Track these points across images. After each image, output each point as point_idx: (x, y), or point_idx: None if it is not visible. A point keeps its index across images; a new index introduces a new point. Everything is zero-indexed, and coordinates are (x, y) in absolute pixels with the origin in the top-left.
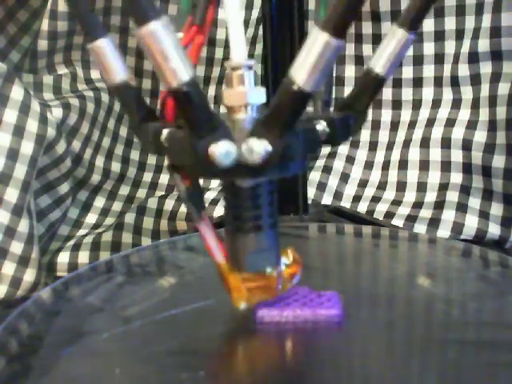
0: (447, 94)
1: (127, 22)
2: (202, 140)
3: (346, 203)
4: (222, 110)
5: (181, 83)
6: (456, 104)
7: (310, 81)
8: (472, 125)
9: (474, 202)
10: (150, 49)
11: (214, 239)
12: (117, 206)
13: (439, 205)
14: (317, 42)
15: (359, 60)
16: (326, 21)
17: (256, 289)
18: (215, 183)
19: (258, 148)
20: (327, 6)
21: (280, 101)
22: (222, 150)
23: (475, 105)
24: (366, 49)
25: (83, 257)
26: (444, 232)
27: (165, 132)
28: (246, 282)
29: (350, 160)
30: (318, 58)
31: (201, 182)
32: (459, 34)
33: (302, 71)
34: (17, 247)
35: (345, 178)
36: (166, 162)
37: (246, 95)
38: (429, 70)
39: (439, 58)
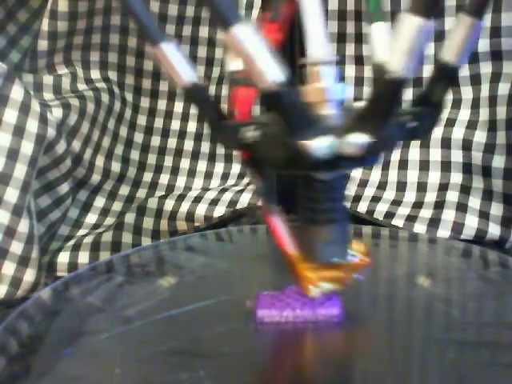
0: (447, 94)
1: (127, 21)
2: (300, 136)
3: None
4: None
5: (274, 84)
6: (456, 104)
7: (405, 66)
8: (472, 125)
9: (474, 202)
10: (237, 52)
11: (285, 231)
12: (117, 205)
13: (439, 205)
14: (409, 26)
15: (359, 60)
16: (413, 5)
17: (326, 278)
18: (215, 183)
19: (360, 142)
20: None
21: (377, 92)
22: (322, 144)
23: (475, 105)
24: (366, 49)
25: (83, 257)
26: (444, 232)
27: (246, 129)
28: (317, 271)
29: None
30: (412, 43)
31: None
32: None
33: (396, 58)
34: (17, 247)
35: None
36: (166, 162)
37: (327, 91)
38: (429, 70)
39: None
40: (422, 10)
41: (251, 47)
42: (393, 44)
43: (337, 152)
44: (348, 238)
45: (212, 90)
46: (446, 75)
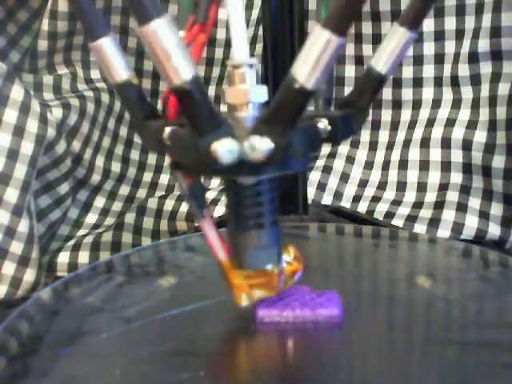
0: (447, 94)
1: (127, 21)
2: (204, 138)
3: (345, 203)
4: (223, 109)
5: (183, 81)
6: (456, 104)
7: (311, 78)
8: (472, 125)
9: (474, 202)
10: (152, 47)
11: (215, 236)
12: (117, 205)
13: (439, 205)
14: (318, 39)
15: (359, 60)
16: (327, 19)
17: (257, 286)
18: (215, 183)
19: (261, 146)
20: (328, 6)
21: (282, 99)
22: (224, 148)
23: (475, 105)
24: (366, 49)
25: (83, 257)
26: (444, 232)
27: (167, 130)
28: (248, 279)
29: (350, 160)
30: (320, 56)
31: (201, 180)
32: (459, 34)
33: (303, 69)
34: (17, 247)
35: (345, 178)
36: (166, 162)
37: (248, 93)
38: (429, 70)
39: (439, 58)
40: (333, 25)
41: (167, 43)
42: (302, 54)
43: (241, 157)
44: (278, 243)
45: (212, 90)
46: (374, 84)
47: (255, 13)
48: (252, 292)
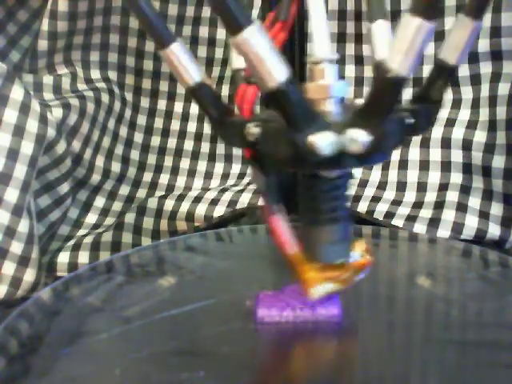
0: (447, 94)
1: (127, 21)
2: (302, 132)
3: None
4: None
5: (279, 83)
6: (456, 104)
7: (405, 66)
8: (472, 125)
9: (474, 202)
10: (246, 55)
11: (287, 231)
12: (117, 205)
13: (439, 205)
14: (409, 26)
15: (359, 60)
16: (414, 6)
17: (330, 279)
18: (215, 183)
19: (360, 138)
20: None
21: (377, 89)
22: (323, 141)
23: (475, 105)
24: (366, 49)
25: (83, 257)
26: (444, 232)
27: (250, 126)
28: (320, 272)
29: None
30: (412, 43)
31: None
32: None
33: (396, 57)
34: (17, 247)
35: None
36: (166, 162)
37: (330, 88)
38: (429, 70)
39: None
40: (422, 10)
41: (260, 49)
42: (394, 43)
43: (340, 149)
44: (351, 237)
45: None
46: (445, 74)
47: (255, 13)
48: (324, 285)
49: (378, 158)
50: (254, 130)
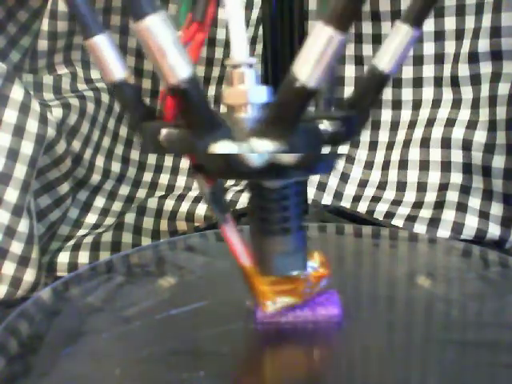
0: (447, 94)
1: (127, 21)
2: (201, 140)
3: (346, 203)
4: (223, 109)
5: (179, 80)
6: (456, 104)
7: (313, 76)
8: (472, 125)
9: (474, 202)
10: (147, 44)
11: (239, 242)
12: (117, 205)
13: (439, 205)
14: (320, 37)
15: (359, 60)
16: (328, 15)
17: (283, 292)
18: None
19: (261, 148)
20: (329, 4)
21: (283, 98)
22: (223, 150)
23: (475, 105)
24: (366, 49)
25: (83, 257)
26: (444, 232)
27: (163, 132)
28: (273, 285)
29: (350, 160)
30: (322, 53)
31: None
32: (459, 34)
33: (304, 67)
34: (17, 247)
35: (345, 178)
36: (166, 162)
37: (247, 94)
38: (429, 70)
39: (439, 58)
40: (335, 21)
41: (162, 40)
42: (303, 52)
43: (271, 160)
44: (305, 248)
45: (212, 89)
46: (377, 82)
47: (255, 13)
48: (277, 299)
49: (316, 169)
50: (164, 135)
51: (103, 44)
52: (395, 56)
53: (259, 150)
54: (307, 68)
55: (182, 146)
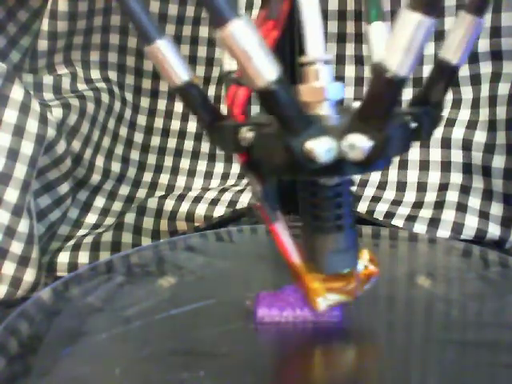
0: (447, 94)
1: (127, 21)
2: (297, 137)
3: None
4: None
5: (268, 82)
6: (456, 104)
7: (404, 65)
8: (472, 125)
9: (474, 202)
10: (231, 50)
11: (289, 239)
12: (117, 205)
13: (439, 205)
14: (408, 23)
15: (359, 60)
16: (413, 1)
17: (334, 290)
18: (215, 183)
19: (360, 144)
20: (378, 5)
21: (375, 90)
22: (321, 147)
23: (475, 105)
24: (366, 49)
25: (83, 257)
26: (444, 232)
27: (243, 130)
28: (325, 282)
29: None
30: (411, 40)
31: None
32: None
33: (395, 56)
34: (17, 247)
35: None
36: (166, 162)
37: (325, 90)
38: (429, 70)
39: None
40: (422, 5)
41: (247, 44)
42: (391, 41)
43: (340, 156)
44: (356, 246)
45: (212, 90)
46: (446, 75)
47: (255, 13)
48: (328, 296)
49: (381, 165)
50: (247, 134)
51: (165, 48)
52: (461, 47)
53: (359, 145)
54: (398, 56)
55: (272, 144)
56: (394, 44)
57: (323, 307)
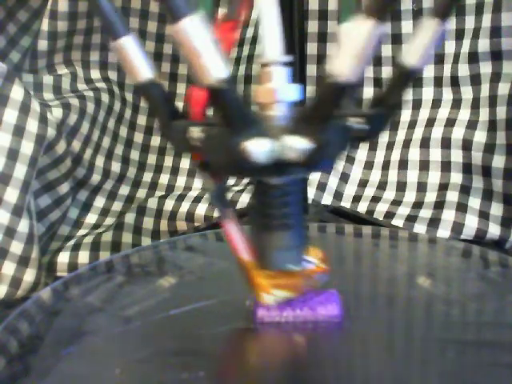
0: (447, 94)
1: (127, 22)
2: (236, 137)
3: (346, 203)
4: None
5: (216, 80)
6: (456, 104)
7: (348, 71)
8: (472, 125)
9: (474, 202)
10: (183, 45)
11: (240, 237)
12: (117, 205)
13: (439, 205)
14: (354, 30)
15: None
16: (367, 8)
17: (281, 286)
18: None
19: (297, 145)
20: (350, 7)
21: (320, 95)
22: (257, 147)
23: (475, 105)
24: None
25: (83, 257)
26: (444, 232)
27: (193, 130)
28: (272, 279)
29: (350, 160)
30: (358, 46)
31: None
32: (459, 34)
33: (341, 61)
34: (17, 247)
35: (345, 177)
36: (166, 162)
37: (277, 92)
38: (429, 70)
39: (439, 58)
40: (372, 12)
41: (198, 41)
42: (340, 47)
43: (278, 157)
44: (304, 244)
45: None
46: (404, 78)
47: (255, 13)
48: (275, 292)
49: (321, 166)
50: (197, 134)
51: (130, 45)
52: (421, 51)
53: (296, 147)
54: (345, 62)
55: (214, 143)
56: (342, 49)
57: (268, 302)
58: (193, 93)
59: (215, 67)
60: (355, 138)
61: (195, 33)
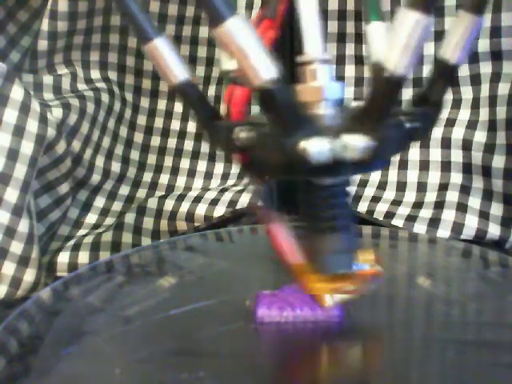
0: (447, 94)
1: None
2: (291, 137)
3: None
4: (222, 108)
5: (265, 81)
6: (456, 104)
7: (403, 64)
8: (472, 125)
9: (474, 202)
10: (229, 48)
11: (288, 240)
12: (117, 205)
13: (439, 205)
14: (406, 22)
15: (359, 60)
16: (412, 0)
17: (336, 290)
18: (215, 183)
19: (355, 143)
20: (376, 6)
21: (374, 91)
22: (314, 147)
23: (475, 105)
24: (366, 49)
25: (83, 257)
26: (444, 232)
27: (240, 130)
28: (326, 282)
29: None
30: (410, 39)
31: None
32: None
33: (393, 55)
34: (17, 247)
35: None
36: (166, 162)
37: (323, 90)
38: (429, 70)
39: None
40: (421, 4)
41: (245, 42)
42: (390, 41)
43: (335, 156)
44: (355, 247)
45: (212, 90)
46: (446, 74)
47: (255, 13)
48: (331, 295)
49: (377, 165)
50: (242, 134)
51: (163, 47)
52: (460, 46)
53: (354, 145)
54: (396, 55)
55: (267, 145)
56: (394, 43)
57: (328, 304)
58: (231, 92)
59: (264, 68)
60: (407, 137)
61: (240, 34)
